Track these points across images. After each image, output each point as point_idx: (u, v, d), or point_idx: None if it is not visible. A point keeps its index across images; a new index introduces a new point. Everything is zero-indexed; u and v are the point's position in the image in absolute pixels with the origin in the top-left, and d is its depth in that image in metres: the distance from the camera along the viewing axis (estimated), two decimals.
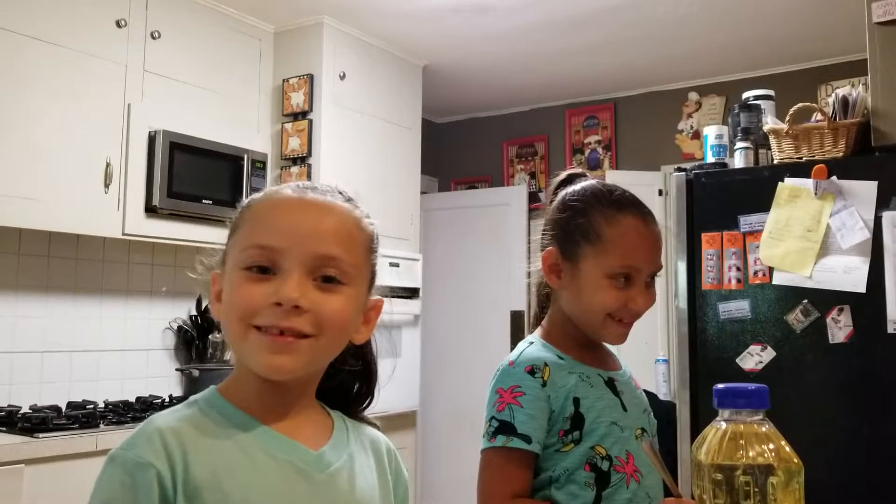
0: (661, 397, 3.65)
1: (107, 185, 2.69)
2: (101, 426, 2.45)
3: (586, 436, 1.24)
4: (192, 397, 0.92)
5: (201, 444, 0.84)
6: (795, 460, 0.70)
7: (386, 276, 3.54)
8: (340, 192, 0.96)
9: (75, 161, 2.63)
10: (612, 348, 1.39)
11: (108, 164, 2.70)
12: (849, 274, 2.30)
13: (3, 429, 2.37)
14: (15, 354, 2.75)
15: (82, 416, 2.46)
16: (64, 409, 2.60)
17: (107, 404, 2.82)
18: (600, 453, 1.24)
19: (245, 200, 0.96)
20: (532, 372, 1.26)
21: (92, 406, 2.68)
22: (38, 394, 2.73)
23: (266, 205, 0.92)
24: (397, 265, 3.63)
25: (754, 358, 2.43)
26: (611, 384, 1.31)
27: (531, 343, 1.33)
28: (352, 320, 0.91)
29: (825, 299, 2.34)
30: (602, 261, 1.28)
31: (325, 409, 0.98)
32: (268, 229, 0.88)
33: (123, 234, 2.65)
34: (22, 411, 2.53)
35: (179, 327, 3.24)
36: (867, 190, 2.30)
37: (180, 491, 0.80)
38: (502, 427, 1.24)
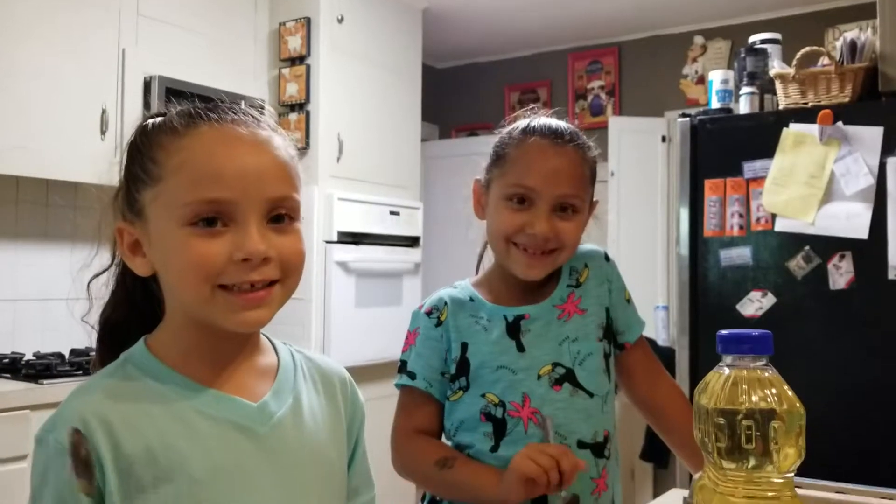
0: (661, 343, 3.67)
1: (103, 133, 2.66)
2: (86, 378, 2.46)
3: (473, 382, 1.24)
4: (123, 356, 0.88)
5: (130, 419, 0.80)
6: (797, 405, 0.70)
7: (387, 225, 3.54)
8: (259, 114, 0.88)
9: (70, 108, 2.60)
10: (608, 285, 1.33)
11: (103, 111, 2.67)
12: (851, 220, 2.29)
13: (8, 375, 2.39)
14: (16, 302, 2.75)
15: (85, 363, 2.48)
16: (67, 357, 2.62)
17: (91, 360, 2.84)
18: (493, 401, 1.22)
19: (146, 134, 0.85)
20: (430, 313, 1.29)
21: (95, 353, 2.70)
22: (40, 341, 2.74)
23: (198, 148, 0.82)
24: (398, 214, 3.61)
25: (754, 304, 2.43)
26: (514, 324, 1.25)
27: (454, 286, 1.34)
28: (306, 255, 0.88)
29: (827, 246, 2.33)
30: (502, 182, 1.25)
31: (273, 344, 0.95)
32: (211, 179, 0.80)
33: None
34: (25, 358, 2.55)
35: None
36: (873, 136, 2.28)
37: (110, 472, 0.78)
38: (400, 366, 1.30)
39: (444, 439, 1.29)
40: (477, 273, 1.38)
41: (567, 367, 1.24)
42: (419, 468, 1.25)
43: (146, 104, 2.80)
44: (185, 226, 0.80)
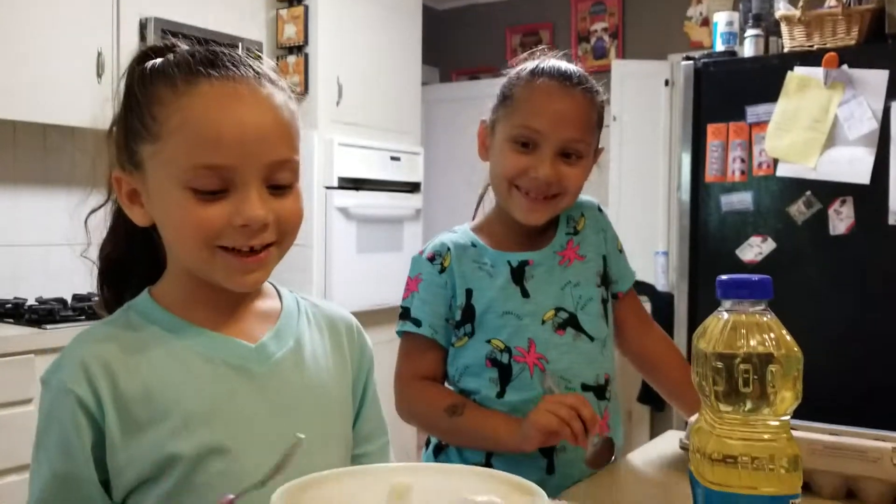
0: (660, 289, 3.69)
1: (99, 76, 2.63)
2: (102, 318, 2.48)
3: (478, 328, 1.23)
4: (126, 304, 0.89)
5: (129, 361, 0.83)
6: (795, 349, 0.71)
7: (387, 171, 3.52)
8: (255, 66, 0.85)
9: (66, 52, 2.57)
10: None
11: (99, 54, 2.63)
12: (853, 165, 2.28)
13: (10, 320, 2.41)
14: (18, 248, 2.76)
15: (88, 308, 2.49)
16: (69, 302, 2.63)
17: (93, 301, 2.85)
18: (498, 347, 1.23)
19: (144, 83, 0.83)
20: (433, 259, 1.27)
21: (97, 290, 2.71)
22: (42, 287, 2.75)
23: (198, 109, 0.80)
24: (398, 159, 3.59)
25: (754, 249, 2.44)
26: (518, 270, 1.26)
27: (454, 231, 1.32)
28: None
29: (828, 191, 2.33)
30: (507, 123, 1.23)
31: (278, 291, 0.96)
32: (211, 144, 0.79)
33: None
34: (28, 304, 2.56)
35: None
36: (878, 79, 2.25)
37: (109, 412, 0.80)
38: (402, 313, 1.28)
39: (447, 385, 1.30)
40: (475, 216, 1.37)
41: (570, 312, 1.26)
42: (427, 415, 1.25)
43: (142, 44, 2.76)
44: (184, 188, 0.80)
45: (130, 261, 0.93)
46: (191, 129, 0.79)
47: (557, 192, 1.21)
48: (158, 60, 0.85)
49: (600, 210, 1.36)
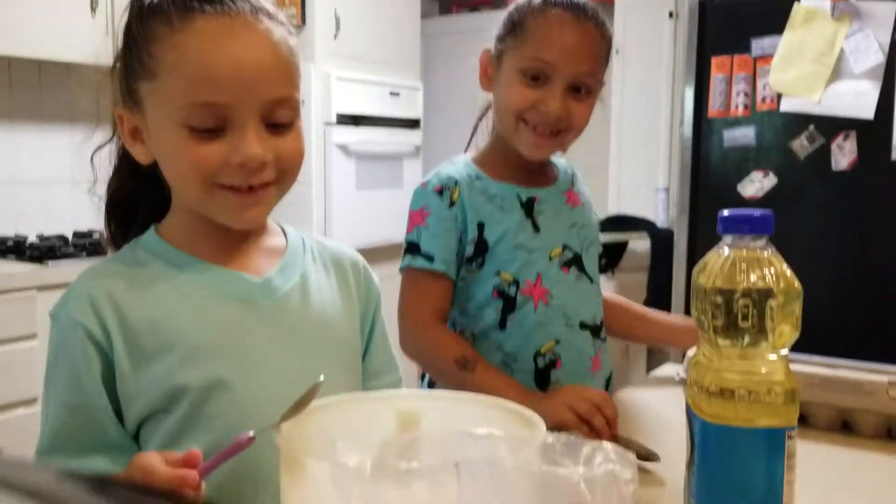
0: (660, 225, 3.68)
1: (93, 10, 2.58)
2: (109, 254, 2.49)
3: (488, 261, 1.22)
4: (133, 241, 0.90)
5: (135, 295, 0.84)
6: (795, 284, 0.71)
7: (386, 106, 3.49)
8: (255, 1, 0.83)
9: None
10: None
11: None
12: (858, 99, 2.25)
13: (13, 257, 2.42)
14: (18, 186, 2.75)
15: (89, 245, 2.50)
16: (70, 239, 2.64)
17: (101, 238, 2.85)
18: (507, 279, 1.22)
19: (141, 19, 0.82)
20: (441, 192, 1.23)
21: (99, 235, 2.71)
22: (43, 224, 2.75)
23: (194, 46, 0.79)
24: (397, 94, 3.55)
25: (755, 185, 2.43)
26: (528, 204, 1.24)
27: (454, 162, 1.28)
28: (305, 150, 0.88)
29: (832, 126, 2.30)
30: (517, 54, 1.19)
31: (283, 229, 0.97)
32: (207, 82, 0.78)
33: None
34: (29, 241, 2.56)
35: None
36: (886, 11, 2.21)
37: (117, 343, 0.82)
38: (409, 248, 1.23)
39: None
40: (468, 147, 1.35)
41: (576, 252, 1.26)
42: (436, 362, 1.23)
43: None
44: (180, 126, 0.80)
45: (135, 198, 0.93)
46: (186, 67, 0.78)
47: (564, 127, 1.19)
48: None
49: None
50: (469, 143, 1.36)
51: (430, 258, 1.21)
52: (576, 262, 1.26)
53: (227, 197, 0.83)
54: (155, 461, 0.69)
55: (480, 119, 1.35)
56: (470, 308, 1.25)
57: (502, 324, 1.22)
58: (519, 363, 1.22)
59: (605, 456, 0.53)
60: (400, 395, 0.84)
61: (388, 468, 0.50)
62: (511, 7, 1.23)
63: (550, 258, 1.24)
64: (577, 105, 1.19)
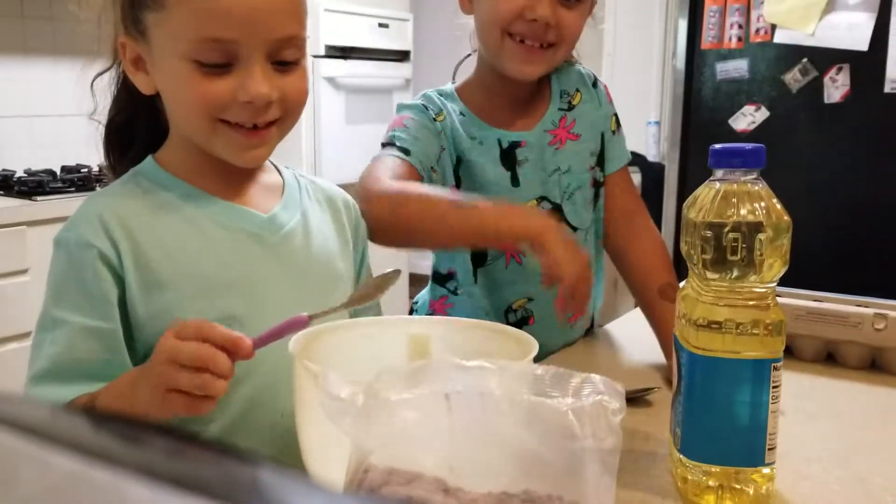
0: (651, 159, 3.67)
1: None
2: (98, 189, 2.47)
3: None
4: (132, 171, 0.89)
5: (146, 220, 0.83)
6: (785, 217, 0.71)
7: (375, 38, 3.43)
8: None
9: None
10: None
11: None
12: (852, 31, 2.23)
13: (0, 192, 2.40)
14: (2, 119, 2.71)
15: (77, 180, 2.47)
16: (59, 174, 2.61)
17: (101, 167, 2.83)
18: None
19: None
20: (425, 107, 1.15)
21: (87, 170, 2.69)
22: (30, 159, 2.72)
23: None
24: (386, 26, 3.49)
25: (747, 118, 2.42)
26: (509, 153, 1.16)
27: (440, 91, 1.20)
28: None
29: (825, 58, 2.28)
30: None
31: (276, 167, 0.97)
32: (218, 16, 0.77)
33: None
34: (17, 175, 2.54)
35: None
36: None
37: (129, 266, 0.81)
38: (386, 143, 1.12)
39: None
40: (453, 80, 1.25)
41: (554, 203, 1.19)
42: (421, 210, 1.00)
43: None
44: (188, 61, 0.79)
45: (133, 126, 0.92)
46: (197, 1, 0.78)
47: (554, 40, 1.09)
48: None
49: (596, 84, 1.27)
50: (454, 75, 1.27)
51: (406, 152, 1.09)
52: (555, 214, 1.18)
53: (231, 134, 0.83)
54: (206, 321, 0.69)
55: (465, 58, 1.27)
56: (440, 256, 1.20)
57: (474, 276, 1.19)
58: (489, 317, 1.17)
59: (594, 387, 0.54)
60: (411, 321, 0.89)
61: (380, 399, 0.51)
62: None
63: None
64: (567, 13, 1.09)
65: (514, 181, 1.17)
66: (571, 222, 1.21)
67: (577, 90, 1.24)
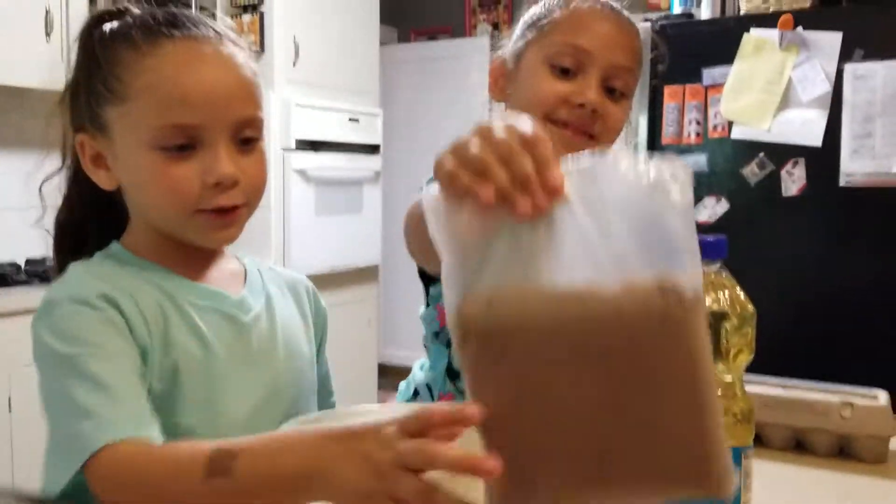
0: None
1: (48, 34, 2.56)
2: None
3: None
4: (99, 254, 0.89)
5: (133, 286, 0.83)
6: (749, 307, 0.73)
7: (346, 132, 3.49)
8: (215, 26, 0.86)
9: (12, 9, 2.48)
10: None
11: (47, 12, 2.55)
12: (806, 127, 2.32)
13: None
14: None
15: (42, 272, 2.45)
16: (23, 266, 2.58)
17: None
18: None
19: (104, 45, 0.82)
20: None
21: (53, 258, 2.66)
22: None
23: (164, 69, 0.80)
24: (357, 120, 3.56)
25: (708, 210, 2.48)
26: None
27: None
28: None
29: (781, 153, 2.37)
30: (544, 43, 1.03)
31: (236, 256, 0.98)
32: (179, 103, 0.79)
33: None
34: None
35: None
36: (831, 41, 2.28)
37: (132, 315, 0.80)
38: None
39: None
40: None
41: None
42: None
43: (91, 4, 2.68)
44: (154, 149, 0.80)
45: (85, 225, 0.92)
46: (158, 90, 0.80)
47: (599, 131, 1.03)
48: (117, 23, 0.85)
49: None
50: None
51: None
52: None
53: (205, 219, 0.83)
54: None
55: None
56: None
57: None
58: None
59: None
60: (374, 411, 0.85)
61: None
62: (530, 10, 1.11)
63: None
64: (612, 106, 1.03)
65: None
66: None
67: None
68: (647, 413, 0.53)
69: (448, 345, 1.16)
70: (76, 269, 0.85)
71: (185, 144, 0.80)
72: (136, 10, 0.87)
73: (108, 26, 0.85)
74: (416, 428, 0.56)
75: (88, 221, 0.92)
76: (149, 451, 0.71)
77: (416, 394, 1.20)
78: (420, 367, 1.22)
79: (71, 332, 0.77)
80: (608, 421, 0.53)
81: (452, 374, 1.14)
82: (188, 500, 0.66)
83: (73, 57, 0.87)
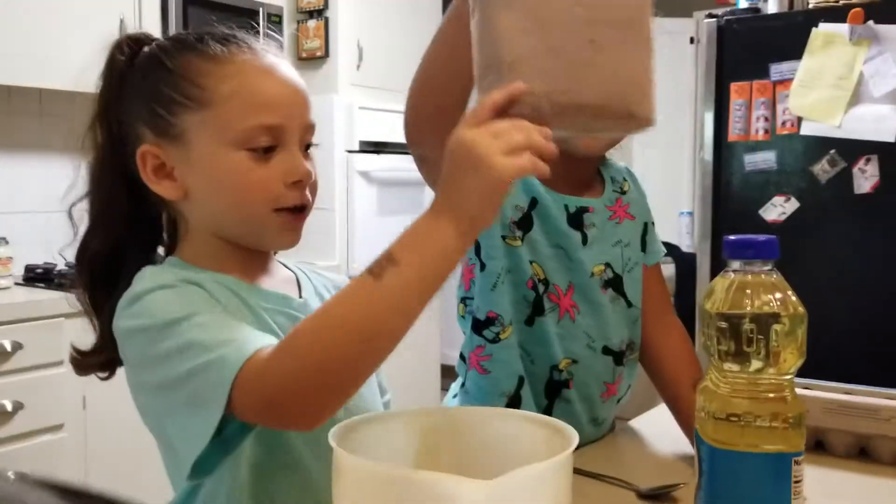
0: (684, 249, 3.67)
1: None
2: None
3: (526, 243, 1.13)
4: (164, 262, 0.89)
5: (209, 287, 0.83)
6: (800, 309, 0.71)
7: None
8: (268, 42, 0.92)
9: (90, 20, 2.58)
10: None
11: (121, 22, 2.65)
12: (879, 123, 2.24)
13: (42, 285, 2.46)
14: (47, 214, 2.80)
15: None
16: None
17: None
18: (538, 274, 1.13)
19: (175, 57, 0.86)
20: None
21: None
22: (71, 252, 2.79)
23: (248, 74, 0.85)
24: None
25: (777, 209, 2.42)
26: (577, 216, 1.16)
27: None
28: None
29: (853, 149, 2.29)
30: None
31: (280, 262, 0.99)
32: (265, 105, 0.84)
33: None
34: (58, 268, 2.61)
35: None
36: None
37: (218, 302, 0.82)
38: None
39: (476, 301, 1.16)
40: None
41: (617, 273, 1.20)
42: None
43: (164, 15, 2.77)
44: (240, 149, 0.83)
45: (124, 253, 0.90)
46: (245, 93, 0.84)
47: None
48: (175, 37, 0.91)
49: (636, 180, 1.29)
50: None
51: None
52: (615, 283, 1.19)
53: (282, 220, 0.86)
54: None
55: None
56: (505, 283, 1.13)
57: (530, 321, 1.15)
58: (535, 366, 1.15)
59: None
60: (428, 412, 0.85)
61: None
62: None
63: (592, 275, 1.16)
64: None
65: (584, 241, 1.17)
66: (629, 296, 1.21)
67: (625, 179, 1.27)
68: (613, 40, 0.70)
69: (473, 326, 1.17)
70: (147, 270, 0.86)
71: (270, 146, 0.84)
72: (155, 36, 0.93)
73: (169, 40, 0.90)
74: (488, 113, 0.70)
75: (126, 248, 0.90)
76: (290, 334, 0.73)
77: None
78: (453, 396, 1.24)
79: (164, 307, 0.78)
80: (588, 33, 0.70)
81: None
82: (360, 320, 0.72)
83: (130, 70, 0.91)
